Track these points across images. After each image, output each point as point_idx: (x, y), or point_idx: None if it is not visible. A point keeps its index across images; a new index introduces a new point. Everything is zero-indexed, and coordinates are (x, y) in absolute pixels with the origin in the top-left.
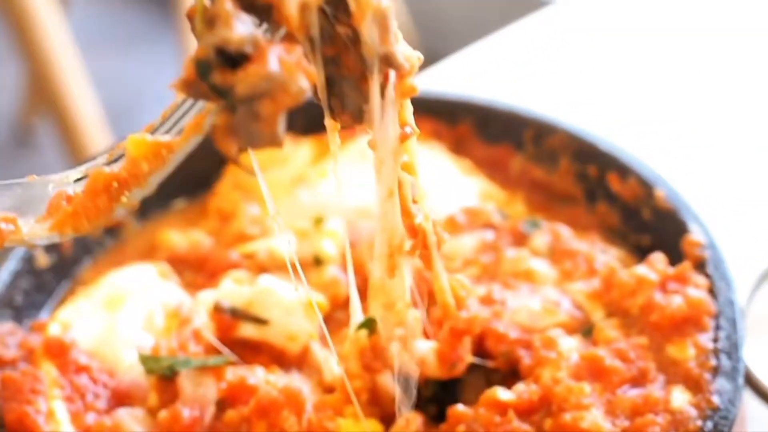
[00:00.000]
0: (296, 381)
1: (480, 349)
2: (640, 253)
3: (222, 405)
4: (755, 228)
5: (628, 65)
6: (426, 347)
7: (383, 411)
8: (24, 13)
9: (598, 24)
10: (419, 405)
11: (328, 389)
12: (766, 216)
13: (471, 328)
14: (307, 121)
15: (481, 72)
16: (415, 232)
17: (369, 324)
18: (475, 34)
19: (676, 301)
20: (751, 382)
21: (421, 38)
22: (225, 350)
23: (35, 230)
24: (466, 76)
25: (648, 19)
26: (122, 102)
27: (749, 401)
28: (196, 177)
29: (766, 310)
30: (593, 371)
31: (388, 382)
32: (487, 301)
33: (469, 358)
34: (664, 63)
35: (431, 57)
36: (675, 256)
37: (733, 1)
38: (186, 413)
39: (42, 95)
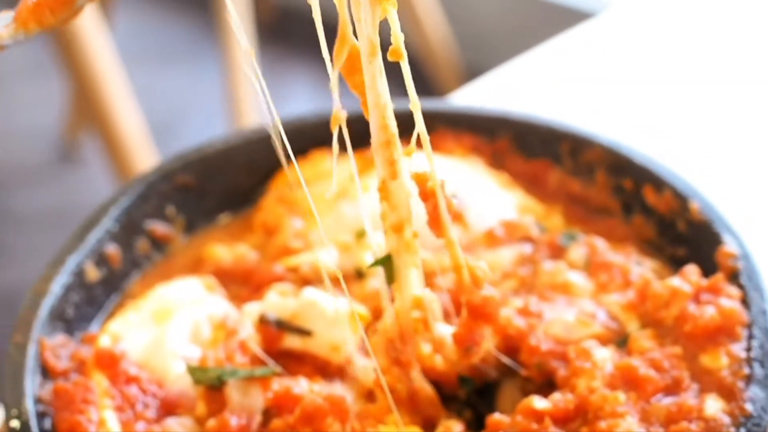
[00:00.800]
0: (339, 390)
1: (513, 359)
2: (676, 265)
3: (268, 414)
4: None
5: (671, 78)
6: (446, 330)
7: (425, 419)
8: (67, 28)
9: (640, 36)
10: (456, 408)
11: (371, 398)
12: None
13: (487, 306)
14: (350, 137)
15: (522, 86)
16: (426, 195)
17: (384, 261)
18: (516, 48)
19: (709, 312)
20: None
21: (462, 53)
22: (270, 362)
23: (1, 33)
24: (508, 90)
25: (692, 33)
26: (166, 116)
27: None
28: (240, 192)
29: None
30: (628, 380)
31: (424, 381)
32: (524, 313)
33: (488, 345)
34: (708, 77)
35: (472, 71)
36: (710, 267)
37: None
38: (234, 421)
39: (86, 110)
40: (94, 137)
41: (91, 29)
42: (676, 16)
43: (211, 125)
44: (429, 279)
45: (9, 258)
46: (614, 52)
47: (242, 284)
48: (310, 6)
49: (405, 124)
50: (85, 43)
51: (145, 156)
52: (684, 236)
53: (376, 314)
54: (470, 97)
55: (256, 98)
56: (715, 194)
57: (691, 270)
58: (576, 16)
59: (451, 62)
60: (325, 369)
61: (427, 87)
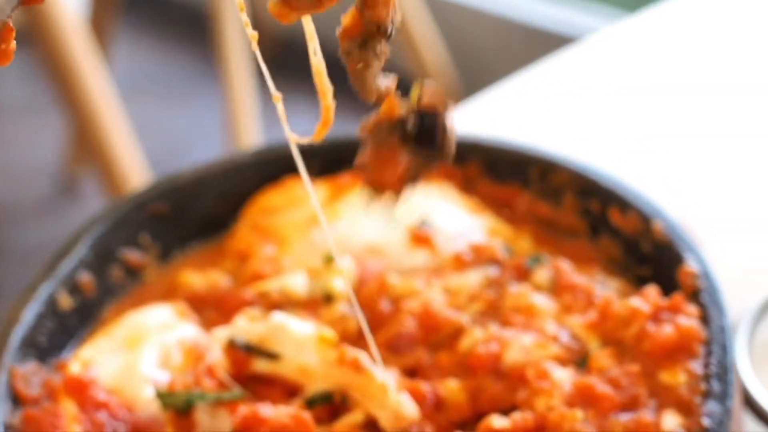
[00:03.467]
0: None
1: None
2: (641, 284)
3: None
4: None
5: (654, 99)
6: None
7: None
8: (66, 63)
9: (624, 60)
10: None
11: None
12: None
13: None
14: (322, 163)
15: (506, 110)
16: None
17: None
18: (500, 72)
19: (667, 330)
20: (754, 407)
21: (456, 73)
22: (235, 386)
23: None
24: (491, 114)
25: (673, 56)
26: (166, 150)
27: (752, 427)
28: (214, 219)
29: None
30: (586, 398)
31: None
32: (488, 340)
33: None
34: (691, 98)
35: (467, 91)
36: (673, 286)
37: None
38: None
39: (85, 145)
40: (94, 172)
41: (89, 64)
42: (658, 40)
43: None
44: (396, 303)
45: (6, 294)
46: (598, 76)
47: (215, 310)
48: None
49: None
50: (84, 78)
51: None
52: (648, 256)
53: (344, 337)
54: (464, 118)
55: (255, 129)
56: (689, 212)
57: (651, 290)
58: (561, 41)
59: (446, 84)
60: (294, 392)
61: None
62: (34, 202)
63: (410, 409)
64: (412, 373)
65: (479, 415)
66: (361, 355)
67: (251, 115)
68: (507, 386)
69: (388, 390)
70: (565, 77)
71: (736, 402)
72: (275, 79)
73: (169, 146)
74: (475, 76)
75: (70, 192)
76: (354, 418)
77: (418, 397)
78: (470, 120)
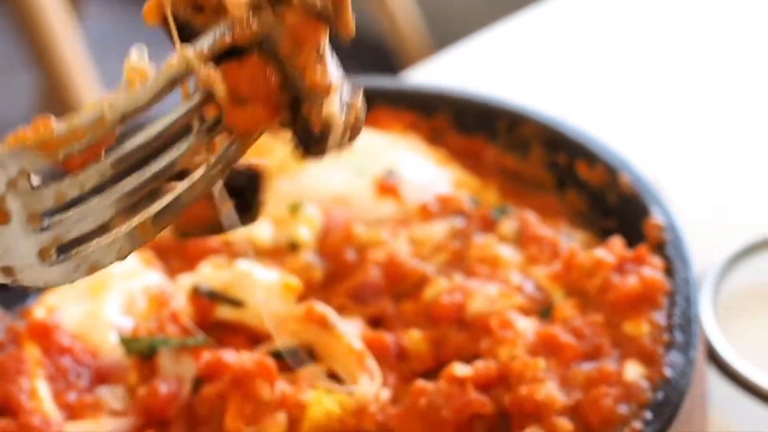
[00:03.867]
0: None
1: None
2: (607, 237)
3: (199, 383)
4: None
5: (623, 58)
6: None
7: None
8: (37, 22)
9: (593, 18)
10: None
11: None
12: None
13: None
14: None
15: (479, 63)
16: None
17: None
18: (478, 27)
19: (631, 281)
20: (717, 361)
21: (427, 27)
22: (199, 332)
23: None
24: (467, 66)
25: (642, 16)
26: None
27: (716, 381)
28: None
29: (740, 291)
30: (548, 347)
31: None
32: (453, 290)
33: None
34: (658, 57)
35: (438, 44)
36: (639, 239)
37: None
38: (164, 389)
39: (55, 103)
40: None
41: (61, 24)
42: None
43: None
44: (362, 253)
45: None
46: (566, 33)
47: (180, 258)
48: None
49: None
50: (54, 35)
51: None
52: (614, 208)
53: (309, 286)
54: (434, 71)
55: None
56: (656, 166)
57: (616, 241)
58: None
59: (416, 39)
60: (257, 339)
61: (391, 63)
62: None
63: (373, 384)
64: (376, 322)
65: (442, 365)
66: (329, 312)
67: None
68: (470, 336)
69: (357, 359)
70: (533, 34)
71: (699, 353)
72: None
73: None
74: (444, 33)
75: None
76: (318, 368)
77: (381, 348)
78: (439, 73)
